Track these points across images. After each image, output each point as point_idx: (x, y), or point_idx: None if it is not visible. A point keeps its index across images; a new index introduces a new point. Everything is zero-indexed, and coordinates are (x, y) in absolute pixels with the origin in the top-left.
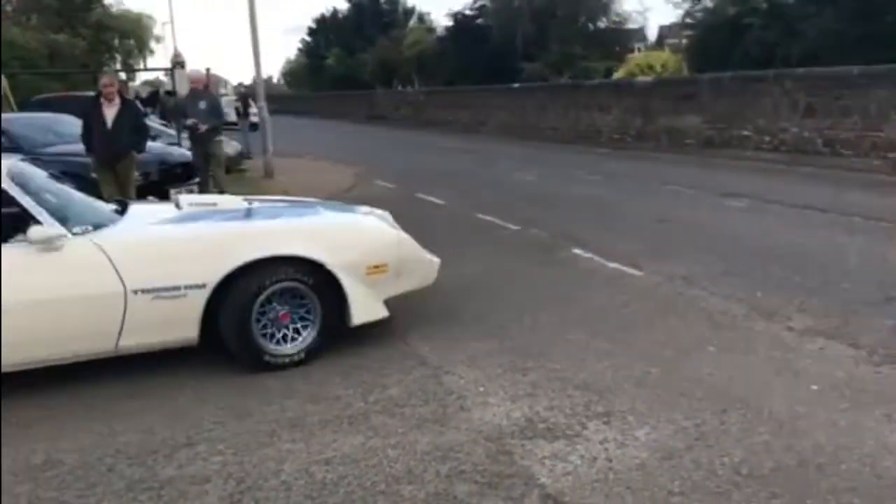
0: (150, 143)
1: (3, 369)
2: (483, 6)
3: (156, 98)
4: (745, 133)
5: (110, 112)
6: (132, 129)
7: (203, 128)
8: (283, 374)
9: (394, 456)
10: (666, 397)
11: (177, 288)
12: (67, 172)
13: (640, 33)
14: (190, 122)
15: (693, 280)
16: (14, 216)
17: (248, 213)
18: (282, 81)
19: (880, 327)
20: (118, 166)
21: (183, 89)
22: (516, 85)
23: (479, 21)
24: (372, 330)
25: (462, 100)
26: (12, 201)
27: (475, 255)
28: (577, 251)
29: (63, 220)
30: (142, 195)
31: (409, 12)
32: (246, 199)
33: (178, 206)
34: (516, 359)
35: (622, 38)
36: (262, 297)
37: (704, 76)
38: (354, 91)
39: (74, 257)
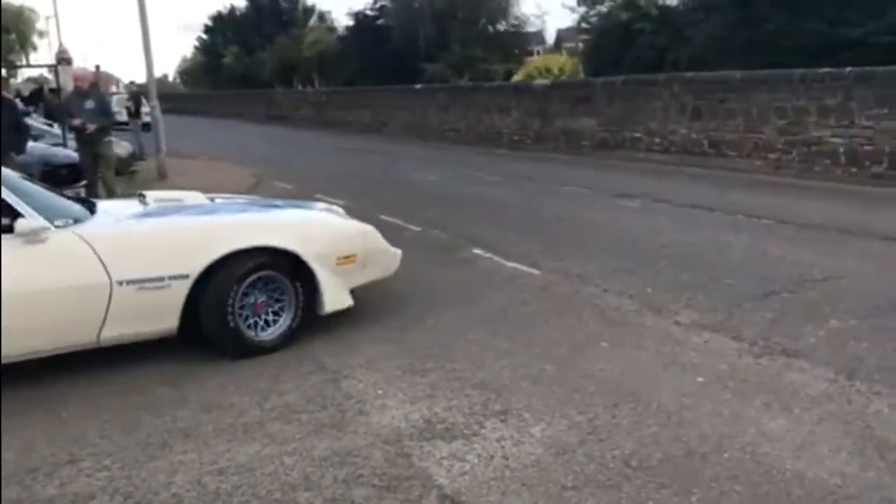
0: (31, 144)
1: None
2: (384, 6)
3: (39, 96)
4: (637, 135)
5: None
6: (11, 129)
7: (91, 128)
8: (176, 383)
9: (290, 463)
10: (560, 393)
11: (161, 279)
12: None
13: (538, 36)
14: (76, 122)
15: (588, 278)
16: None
17: (219, 209)
18: (178, 80)
19: (760, 320)
20: None
21: (69, 87)
22: (418, 86)
23: (381, 21)
24: None
25: (364, 100)
26: None
27: None
28: (477, 251)
29: (43, 214)
30: None
31: (310, 11)
32: (208, 197)
33: (143, 202)
34: (416, 360)
35: (521, 41)
36: (242, 287)
37: (599, 80)
38: (253, 90)
39: (59, 249)
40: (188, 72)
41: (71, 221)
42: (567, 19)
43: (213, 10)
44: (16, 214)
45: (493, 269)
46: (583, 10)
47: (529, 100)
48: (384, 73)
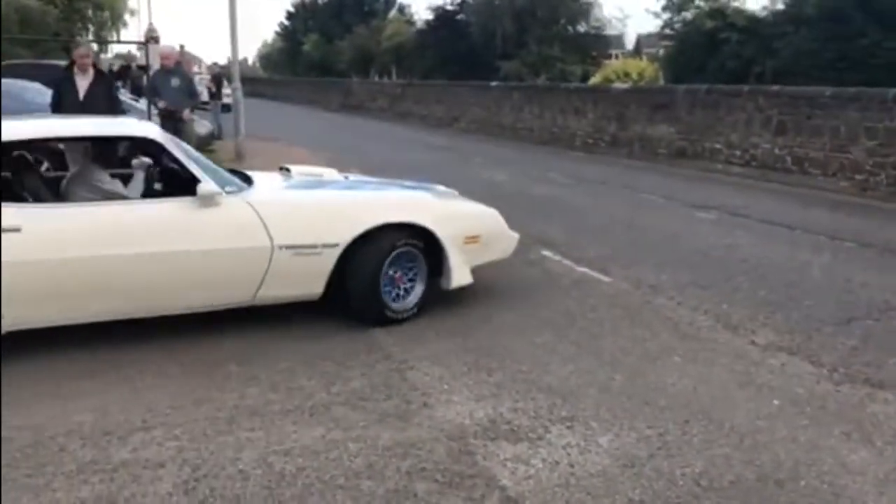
0: None
1: (154, 314)
2: (464, 2)
3: (127, 72)
4: (717, 146)
5: (83, 83)
6: (105, 102)
7: (187, 113)
8: (245, 361)
9: (354, 450)
10: (630, 405)
11: (314, 246)
12: None
13: (618, 40)
14: (161, 104)
15: (661, 289)
16: (172, 175)
17: (359, 186)
18: (257, 64)
19: (841, 347)
20: None
21: (156, 64)
22: (494, 83)
23: (460, 17)
24: (336, 321)
25: (438, 94)
26: (176, 161)
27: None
28: (545, 253)
29: (214, 181)
30: None
31: (390, 3)
32: (342, 175)
33: (287, 175)
34: (481, 358)
35: (600, 44)
36: (387, 259)
37: (680, 87)
38: (330, 78)
39: (230, 214)
40: (268, 57)
41: (237, 189)
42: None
43: None
44: (194, 179)
45: (562, 273)
46: (667, 15)
47: (606, 103)
48: (460, 68)
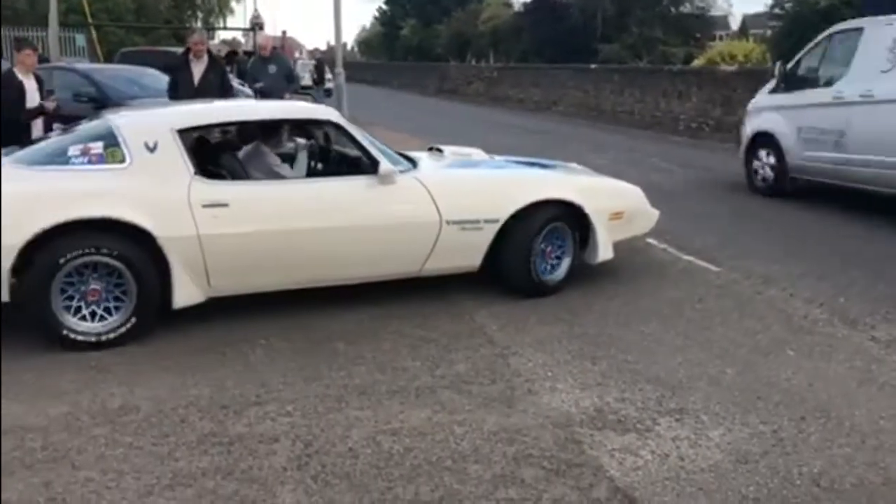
0: None
1: (334, 283)
2: None
3: (233, 58)
4: None
5: (198, 69)
6: (218, 87)
7: (285, 97)
8: (352, 340)
9: (460, 433)
10: (741, 399)
11: (477, 221)
12: None
13: (723, 21)
14: (258, 84)
15: (772, 280)
16: (328, 155)
17: (507, 165)
18: (356, 49)
19: None
20: None
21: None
22: (593, 66)
23: None
24: (438, 304)
25: (535, 77)
26: (355, 142)
27: None
28: (650, 241)
29: (389, 161)
30: None
31: None
32: (489, 155)
33: (439, 155)
34: (585, 346)
35: (704, 25)
36: (542, 234)
37: None
38: (427, 62)
39: (404, 191)
40: (366, 42)
41: (407, 168)
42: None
43: None
44: (372, 160)
45: (668, 262)
46: None
47: (711, 86)
48: (558, 51)
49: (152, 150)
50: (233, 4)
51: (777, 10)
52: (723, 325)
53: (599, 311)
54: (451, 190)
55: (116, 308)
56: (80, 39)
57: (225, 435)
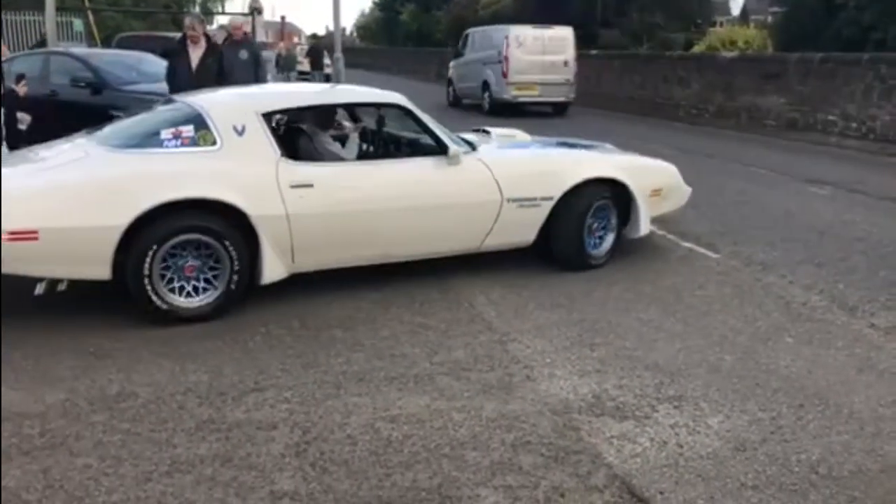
0: None
1: (404, 259)
2: None
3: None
4: (832, 118)
5: (195, 54)
6: (216, 72)
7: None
8: (350, 327)
9: (459, 419)
10: (740, 386)
11: (534, 199)
12: None
13: (723, 7)
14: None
15: (772, 266)
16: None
17: (551, 143)
18: (355, 34)
19: None
20: None
21: (260, 35)
22: (594, 51)
23: None
24: (437, 291)
25: None
26: (423, 125)
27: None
28: (651, 227)
29: (453, 142)
30: None
31: None
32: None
33: (486, 137)
34: (584, 332)
35: (705, 11)
36: (591, 211)
37: (793, 55)
38: (427, 48)
39: (470, 171)
40: (365, 27)
41: (469, 149)
42: None
43: None
44: (439, 141)
45: (667, 248)
46: None
47: (712, 72)
48: None
49: (240, 133)
50: None
51: None
52: (722, 311)
53: (598, 298)
54: (510, 170)
55: (208, 285)
56: (78, 24)
57: (223, 421)
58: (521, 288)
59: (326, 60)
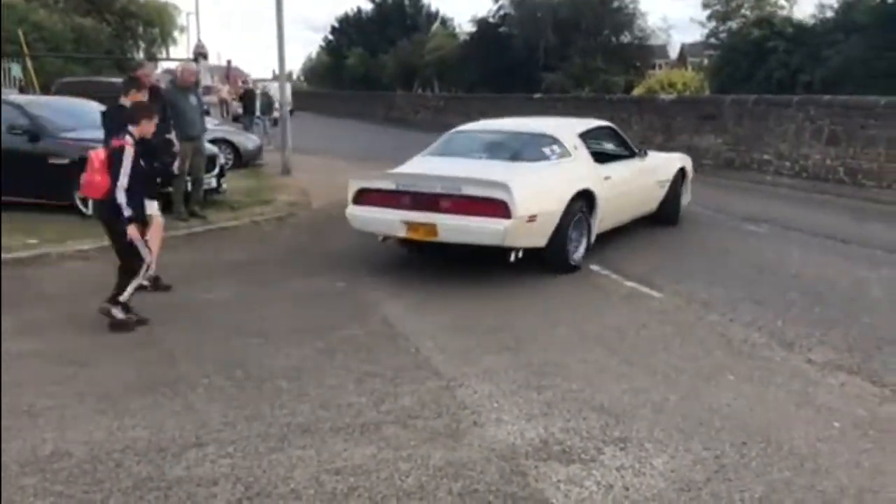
0: None
1: (620, 225)
2: (507, 14)
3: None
4: (766, 157)
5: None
6: (160, 117)
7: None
8: (296, 377)
9: (406, 469)
10: (684, 425)
11: (667, 180)
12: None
13: (662, 50)
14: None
15: (712, 305)
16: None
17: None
18: (302, 78)
19: None
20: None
21: (205, 80)
22: (537, 95)
23: (503, 29)
24: (384, 337)
25: (481, 106)
26: (623, 139)
27: (492, 267)
28: (594, 267)
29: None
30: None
31: (433, 16)
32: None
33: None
34: (531, 375)
35: (644, 54)
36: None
37: (727, 97)
38: (374, 92)
39: (650, 165)
40: (312, 71)
41: (645, 153)
42: (693, 34)
43: (340, 12)
44: (631, 149)
45: (610, 288)
46: (712, 25)
47: (653, 114)
48: (503, 80)
49: (576, 148)
50: (175, 34)
51: (713, 40)
52: (665, 350)
53: (544, 340)
54: (657, 164)
55: (580, 243)
56: (16, 69)
57: (162, 479)
58: (468, 331)
59: (277, 105)
